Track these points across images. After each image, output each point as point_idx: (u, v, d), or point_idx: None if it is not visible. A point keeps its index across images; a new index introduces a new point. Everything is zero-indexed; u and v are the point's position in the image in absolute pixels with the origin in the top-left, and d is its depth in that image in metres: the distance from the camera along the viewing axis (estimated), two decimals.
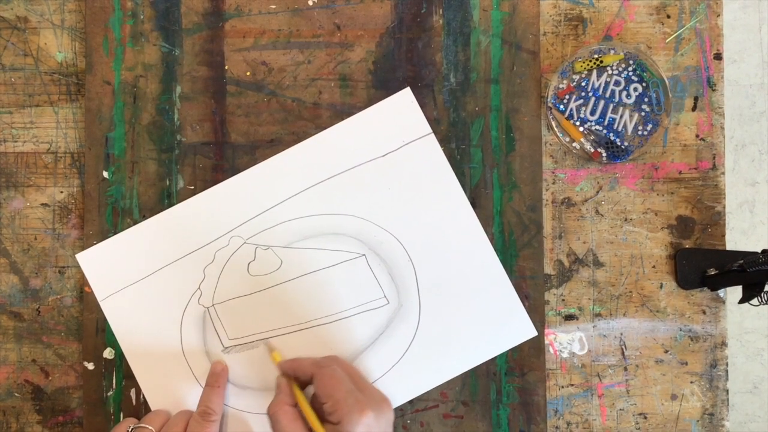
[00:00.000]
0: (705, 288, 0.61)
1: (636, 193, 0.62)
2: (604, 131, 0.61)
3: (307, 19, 0.62)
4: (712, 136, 0.62)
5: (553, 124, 0.61)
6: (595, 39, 0.62)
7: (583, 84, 0.61)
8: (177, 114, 0.62)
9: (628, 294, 0.62)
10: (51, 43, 0.63)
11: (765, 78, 1.34)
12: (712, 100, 0.62)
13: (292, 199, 0.61)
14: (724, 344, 0.61)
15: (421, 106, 0.61)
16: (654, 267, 0.62)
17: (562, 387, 0.61)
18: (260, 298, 0.60)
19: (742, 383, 1.33)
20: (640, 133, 0.61)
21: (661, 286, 0.62)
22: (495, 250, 0.61)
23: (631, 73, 0.61)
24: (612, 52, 0.61)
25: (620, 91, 0.61)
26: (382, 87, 0.62)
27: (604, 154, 0.61)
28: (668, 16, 0.62)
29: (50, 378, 0.62)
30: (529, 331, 0.60)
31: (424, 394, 0.60)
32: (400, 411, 0.60)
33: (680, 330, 0.62)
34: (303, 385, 0.56)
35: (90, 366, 0.61)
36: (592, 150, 0.61)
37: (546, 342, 0.61)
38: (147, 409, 0.60)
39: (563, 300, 0.62)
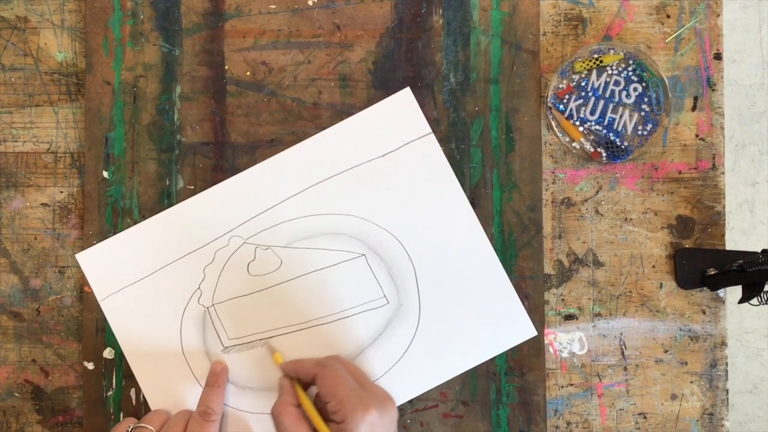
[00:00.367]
0: (705, 288, 0.61)
1: (636, 193, 0.62)
2: (604, 131, 0.61)
3: (307, 19, 0.62)
4: (712, 136, 0.62)
5: (553, 124, 0.61)
6: (594, 39, 0.62)
7: (583, 84, 0.61)
8: (177, 114, 0.62)
9: (628, 294, 0.62)
10: (51, 43, 0.63)
11: (765, 78, 1.34)
12: (711, 100, 0.62)
13: (292, 199, 0.61)
14: (723, 344, 0.61)
15: (421, 106, 0.61)
16: (654, 267, 0.62)
17: (562, 387, 0.61)
18: (260, 298, 0.60)
19: (742, 383, 1.33)
20: (639, 133, 0.61)
21: (660, 286, 0.62)
22: (495, 250, 0.61)
23: (630, 73, 0.61)
24: (612, 52, 0.61)
25: (620, 91, 0.61)
26: (382, 87, 0.62)
27: (604, 154, 0.61)
28: (668, 16, 0.62)
29: (50, 378, 0.62)
30: (529, 331, 0.60)
31: (423, 393, 0.60)
32: (400, 411, 0.60)
33: (680, 330, 0.62)
34: (305, 385, 0.56)
35: (90, 366, 0.61)
36: (592, 150, 0.61)
37: (546, 342, 0.61)
38: (147, 409, 0.60)
39: (563, 300, 0.62)
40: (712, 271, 0.60)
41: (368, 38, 0.62)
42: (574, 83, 0.61)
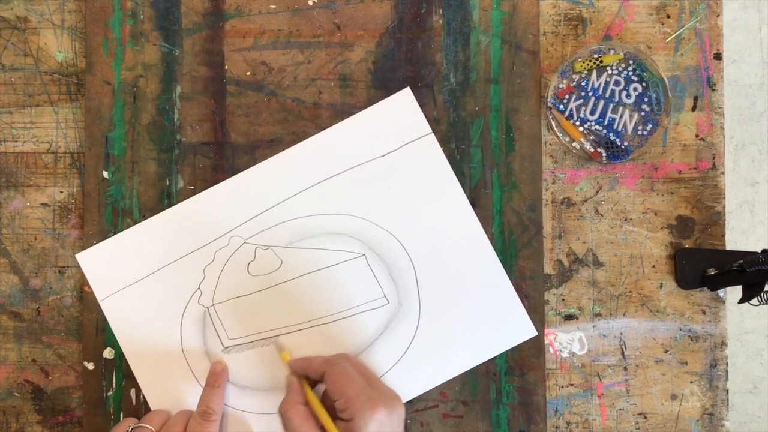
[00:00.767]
0: (705, 288, 0.61)
1: (636, 193, 0.62)
2: (604, 131, 0.61)
3: (307, 19, 0.62)
4: (712, 136, 0.62)
5: (553, 124, 0.61)
6: (594, 39, 0.62)
7: (583, 84, 0.61)
8: (177, 114, 0.62)
9: (628, 294, 0.62)
10: (51, 43, 0.63)
11: (765, 78, 1.34)
12: (711, 100, 0.62)
13: (292, 199, 0.61)
14: (724, 344, 0.61)
15: (421, 106, 0.61)
16: (654, 267, 0.62)
17: (562, 387, 0.61)
18: (260, 298, 0.60)
19: (742, 383, 1.33)
20: (639, 133, 0.61)
21: (660, 286, 0.62)
22: (495, 250, 0.61)
23: (630, 73, 0.61)
24: (612, 52, 0.61)
25: (620, 91, 0.61)
26: (382, 87, 0.62)
27: (604, 154, 0.61)
28: (668, 16, 0.62)
29: (50, 378, 0.62)
30: (529, 331, 0.60)
31: (423, 394, 0.60)
32: None
33: (680, 330, 0.62)
34: (313, 383, 0.56)
35: (90, 366, 0.61)
36: (592, 150, 0.61)
37: (546, 342, 0.61)
38: (147, 409, 0.60)
39: (563, 300, 0.62)
40: (712, 271, 0.60)
41: (368, 38, 0.62)
42: (574, 83, 0.61)
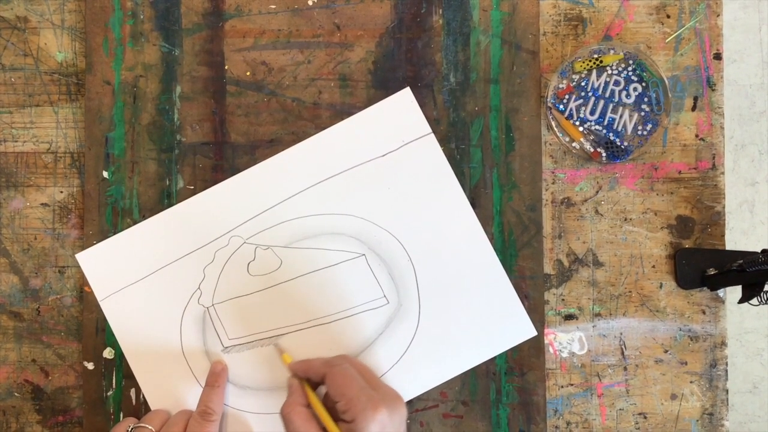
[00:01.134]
0: (705, 288, 0.61)
1: (636, 193, 0.62)
2: (604, 131, 0.61)
3: (307, 19, 0.62)
4: (712, 136, 0.62)
5: (553, 124, 0.61)
6: (594, 39, 0.62)
7: (583, 84, 0.61)
8: (177, 114, 0.62)
9: (628, 294, 0.62)
10: (51, 43, 0.63)
11: (765, 78, 1.34)
12: (711, 100, 0.62)
13: (292, 199, 0.61)
14: (723, 344, 0.61)
15: (421, 106, 0.61)
16: (654, 267, 0.62)
17: (562, 387, 0.61)
18: (260, 298, 0.60)
19: (742, 383, 1.33)
20: (639, 133, 0.61)
21: (660, 286, 0.62)
22: (495, 250, 0.61)
23: (630, 73, 0.61)
24: (612, 52, 0.61)
25: (620, 91, 0.61)
26: (382, 87, 0.62)
27: (604, 154, 0.61)
28: (668, 16, 0.62)
29: (50, 378, 0.62)
30: (529, 331, 0.60)
31: (423, 394, 0.60)
32: None
33: (680, 330, 0.62)
34: (314, 385, 0.56)
35: (90, 366, 0.61)
36: (592, 150, 0.61)
37: (546, 342, 0.61)
38: (147, 409, 0.60)
39: (563, 300, 0.62)
40: (712, 271, 0.60)
41: (368, 38, 0.62)
42: (574, 83, 0.61)
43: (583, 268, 0.62)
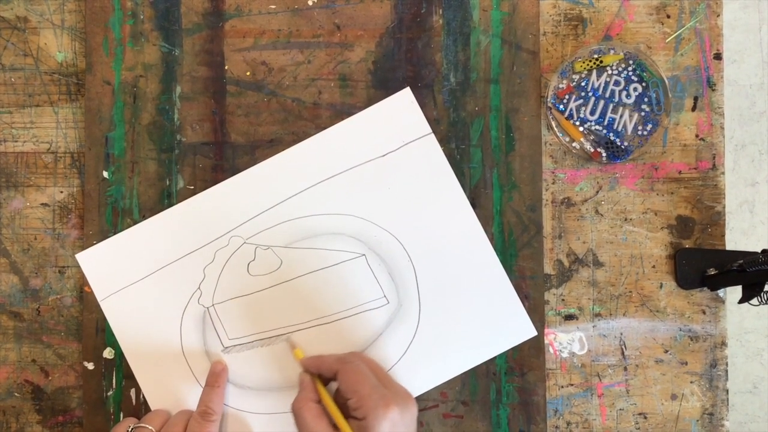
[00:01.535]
0: (705, 288, 0.61)
1: (636, 193, 0.62)
2: (604, 131, 0.61)
3: (307, 19, 0.62)
4: (712, 136, 0.62)
5: (553, 124, 0.61)
6: (594, 39, 0.62)
7: (583, 84, 0.61)
8: (177, 114, 0.62)
9: (628, 294, 0.62)
10: (51, 43, 0.63)
11: (765, 78, 1.34)
12: (711, 100, 0.62)
13: (292, 199, 0.61)
14: (723, 344, 0.61)
15: (421, 106, 0.61)
16: (654, 267, 0.62)
17: (562, 387, 0.61)
18: (260, 298, 0.60)
19: (742, 383, 1.33)
20: (639, 133, 0.61)
21: (660, 286, 0.62)
22: (495, 250, 0.61)
23: (630, 73, 0.61)
24: (612, 52, 0.61)
25: (620, 91, 0.61)
26: (382, 87, 0.62)
27: (604, 154, 0.61)
28: (668, 16, 0.62)
29: (50, 378, 0.62)
30: (529, 331, 0.60)
31: (423, 394, 0.60)
32: None
33: (680, 330, 0.62)
34: (325, 381, 0.56)
35: (90, 366, 0.61)
36: (592, 150, 0.61)
37: (546, 342, 0.61)
38: (147, 409, 0.60)
39: (563, 300, 0.62)
40: (712, 271, 0.60)
41: (368, 38, 0.62)
42: (574, 83, 0.61)
43: (583, 268, 0.62)
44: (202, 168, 0.62)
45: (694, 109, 0.62)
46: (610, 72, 0.61)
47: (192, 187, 0.62)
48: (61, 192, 0.63)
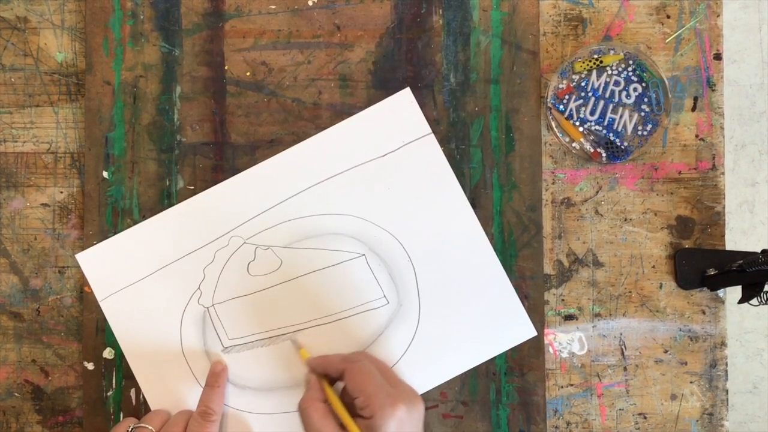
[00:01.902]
0: (705, 288, 0.61)
1: (635, 193, 0.62)
2: (604, 131, 0.61)
3: (307, 19, 0.62)
4: (712, 136, 0.62)
5: (553, 124, 0.61)
6: (594, 39, 0.62)
7: (583, 84, 0.61)
8: (177, 114, 0.62)
9: (628, 294, 0.62)
10: (51, 43, 0.63)
11: (765, 78, 1.34)
12: (711, 100, 0.62)
13: (292, 199, 0.61)
14: (723, 344, 0.61)
15: (421, 106, 0.61)
16: (654, 267, 0.62)
17: (562, 387, 0.62)
18: (260, 298, 0.60)
19: (741, 383, 1.33)
20: (639, 133, 0.61)
21: (660, 286, 0.62)
22: (495, 250, 0.61)
23: (630, 74, 0.61)
24: (612, 52, 0.61)
25: (620, 92, 0.61)
26: (382, 87, 0.62)
27: (604, 154, 0.61)
28: (668, 17, 0.62)
29: (50, 378, 0.62)
30: (529, 331, 0.60)
31: (423, 394, 0.60)
32: None
33: (680, 330, 0.62)
34: (331, 381, 0.56)
35: (90, 366, 0.61)
36: (592, 150, 0.61)
37: (546, 342, 0.61)
38: (147, 409, 0.60)
39: (563, 300, 0.62)
40: (712, 272, 0.60)
41: (368, 38, 0.62)
42: (574, 83, 0.61)
43: (583, 268, 0.62)
44: (202, 168, 0.62)
45: (694, 109, 0.62)
46: (610, 72, 0.61)
47: (192, 187, 0.62)
48: (61, 192, 0.63)
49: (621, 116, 0.61)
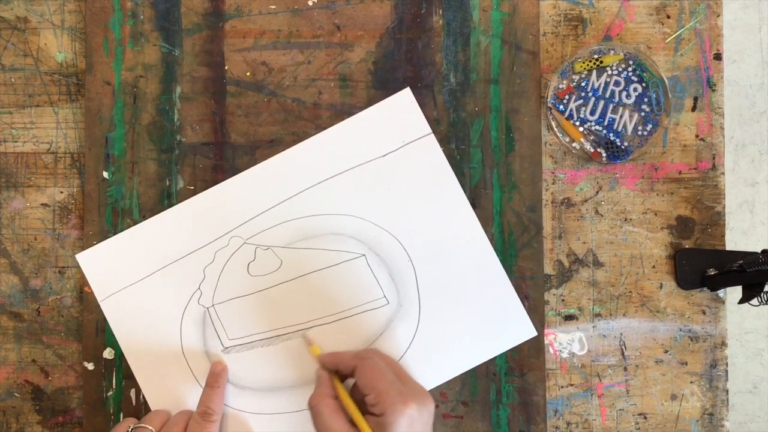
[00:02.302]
0: (705, 288, 0.61)
1: (636, 193, 0.62)
2: (604, 131, 0.61)
3: (307, 19, 0.62)
4: (712, 136, 0.62)
5: (553, 124, 0.61)
6: (594, 39, 0.62)
7: (583, 84, 0.61)
8: (177, 114, 0.62)
9: (628, 294, 0.62)
10: (51, 43, 0.63)
11: (765, 78, 1.34)
12: (711, 100, 0.62)
13: (292, 199, 0.61)
14: (723, 344, 0.61)
15: (421, 107, 0.61)
16: (654, 267, 0.62)
17: (562, 387, 0.61)
18: (260, 298, 0.60)
19: (742, 383, 1.33)
20: (639, 133, 0.61)
21: (660, 287, 0.62)
22: (495, 251, 0.61)
23: (630, 74, 0.61)
24: (612, 52, 0.61)
25: (620, 92, 0.61)
26: (382, 87, 0.62)
27: (604, 155, 0.61)
28: (668, 17, 0.62)
29: (50, 378, 0.62)
30: (529, 331, 0.60)
31: None
32: None
33: (680, 330, 0.62)
34: (342, 378, 0.56)
35: (90, 366, 0.61)
36: (592, 150, 0.61)
37: (546, 342, 0.61)
38: (147, 409, 0.60)
39: (563, 300, 0.62)
40: (712, 272, 0.60)
41: (368, 38, 0.62)
42: (574, 83, 0.61)
43: (583, 268, 0.62)
44: (202, 168, 0.62)
45: (694, 109, 0.62)
46: (610, 72, 0.61)
47: (192, 188, 0.62)
48: (61, 192, 0.63)
49: (621, 116, 0.61)
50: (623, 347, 0.62)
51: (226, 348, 0.60)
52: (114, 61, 0.62)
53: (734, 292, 0.60)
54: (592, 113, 0.61)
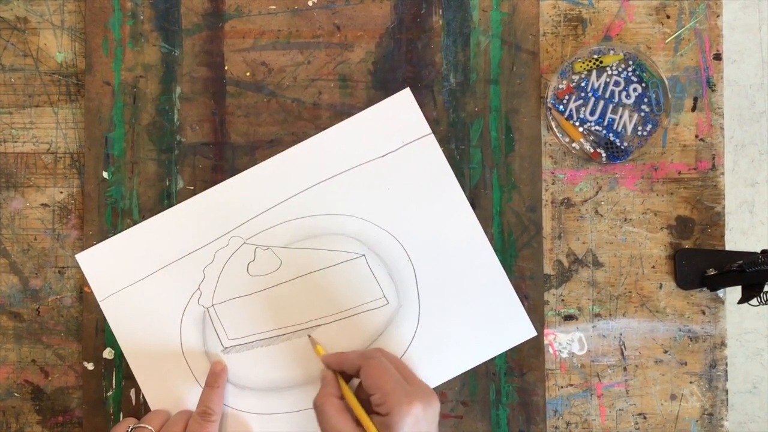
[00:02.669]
0: (704, 288, 0.61)
1: (635, 193, 0.62)
2: (604, 131, 0.61)
3: (306, 19, 0.62)
4: (712, 136, 0.62)
5: (553, 124, 0.61)
6: (594, 39, 0.62)
7: (583, 84, 0.61)
8: (177, 114, 0.62)
9: (628, 294, 0.62)
10: (51, 43, 0.63)
11: (765, 78, 1.33)
12: (711, 100, 0.62)
13: (292, 199, 0.61)
14: (723, 344, 0.61)
15: (421, 107, 0.61)
16: (653, 267, 0.62)
17: (562, 387, 0.62)
18: (260, 298, 0.60)
19: (741, 383, 1.33)
20: (639, 133, 0.61)
21: (660, 287, 0.62)
22: (494, 251, 0.61)
23: (630, 74, 0.61)
24: (611, 52, 0.61)
25: (620, 92, 0.61)
26: (382, 87, 0.62)
27: (604, 155, 0.61)
28: (668, 17, 0.62)
29: (50, 378, 0.62)
30: (529, 332, 0.60)
31: None
32: None
33: (680, 330, 0.62)
34: (347, 378, 0.56)
35: (90, 366, 0.61)
36: (592, 150, 0.61)
37: (545, 342, 0.61)
38: (147, 409, 0.60)
39: (563, 300, 0.62)
40: (711, 272, 0.60)
41: (368, 39, 0.62)
42: (574, 84, 0.61)
43: (582, 268, 0.62)
44: (202, 168, 0.62)
45: (693, 109, 0.62)
46: (609, 72, 0.61)
47: (192, 188, 0.62)
48: (61, 192, 0.63)
49: (621, 116, 0.61)
50: (623, 347, 0.62)
51: (226, 348, 0.60)
52: (114, 62, 0.62)
53: (734, 292, 0.60)
54: (592, 113, 0.61)
